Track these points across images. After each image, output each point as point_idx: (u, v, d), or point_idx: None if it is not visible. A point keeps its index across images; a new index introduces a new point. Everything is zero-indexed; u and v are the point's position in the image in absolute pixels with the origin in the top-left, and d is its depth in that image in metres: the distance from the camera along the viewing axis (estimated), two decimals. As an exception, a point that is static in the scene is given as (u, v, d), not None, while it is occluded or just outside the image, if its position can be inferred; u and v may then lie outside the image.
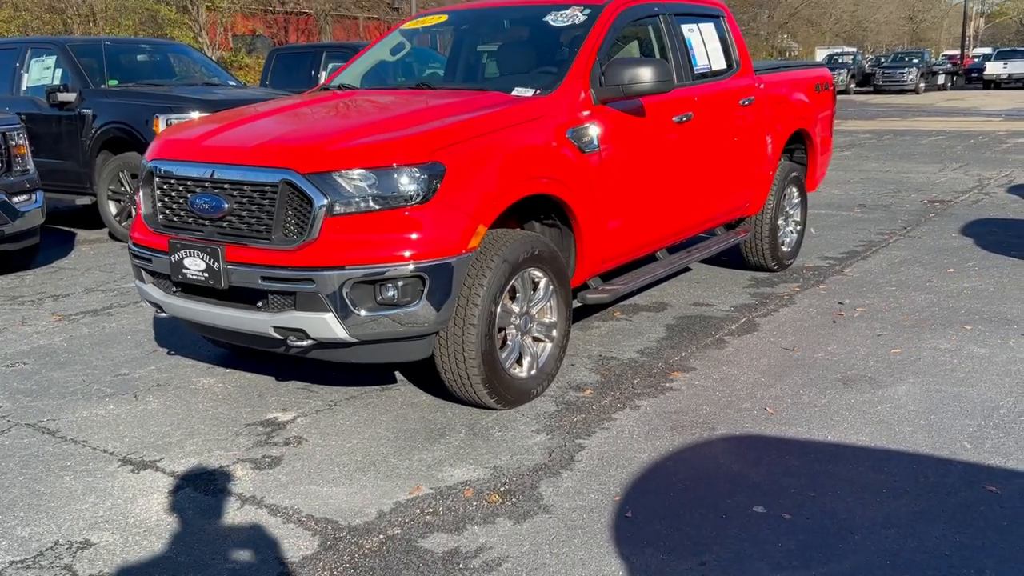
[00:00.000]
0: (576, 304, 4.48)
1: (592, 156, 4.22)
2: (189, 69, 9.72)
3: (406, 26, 5.50)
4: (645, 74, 4.22)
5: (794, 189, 6.36)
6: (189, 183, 3.76)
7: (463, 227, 3.56)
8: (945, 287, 5.81)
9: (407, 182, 3.47)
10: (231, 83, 9.58)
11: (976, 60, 45.71)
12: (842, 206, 9.11)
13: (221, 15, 26.86)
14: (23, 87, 8.66)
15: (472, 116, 3.87)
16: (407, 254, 3.44)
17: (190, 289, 3.82)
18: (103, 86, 8.30)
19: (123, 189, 7.89)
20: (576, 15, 4.64)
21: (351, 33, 37.35)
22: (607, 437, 3.62)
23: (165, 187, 3.86)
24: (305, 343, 3.58)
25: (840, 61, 39.45)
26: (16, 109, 7.97)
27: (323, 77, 10.27)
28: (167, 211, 3.86)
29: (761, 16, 55.39)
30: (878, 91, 36.16)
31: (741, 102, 5.51)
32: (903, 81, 35.55)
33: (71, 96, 8.05)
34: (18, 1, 21.93)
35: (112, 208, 8.00)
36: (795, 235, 6.49)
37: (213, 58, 23.88)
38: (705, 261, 6.53)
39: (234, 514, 3.06)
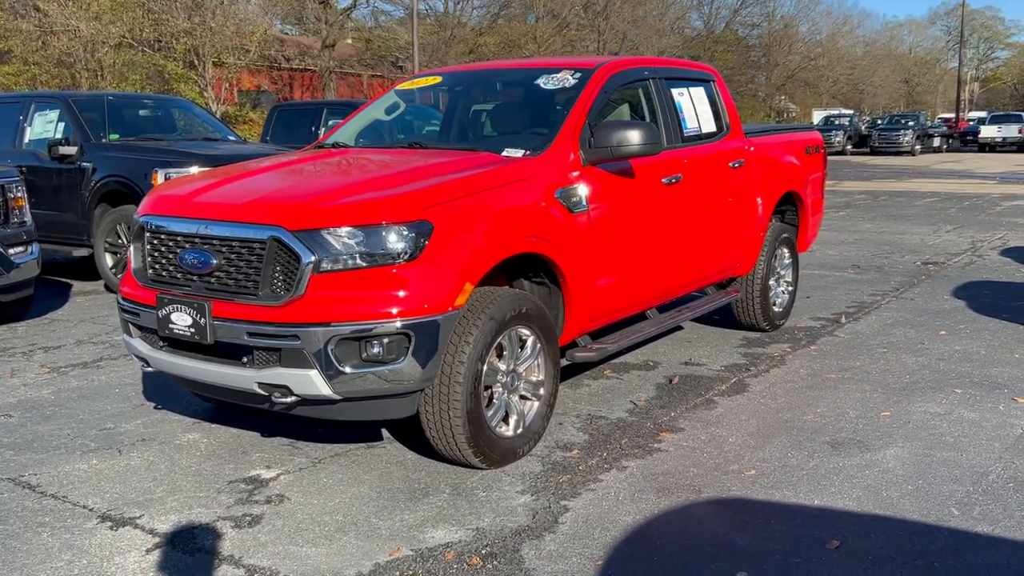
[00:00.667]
0: (565, 362, 4.47)
1: (580, 216, 4.26)
2: (191, 124, 9.85)
3: (401, 86, 5.60)
4: (633, 136, 4.28)
5: (785, 250, 6.40)
6: (179, 238, 3.79)
7: (450, 285, 3.57)
8: (936, 350, 5.81)
9: (395, 240, 3.49)
10: (231, 138, 9.71)
11: (971, 123, 46.33)
12: (836, 267, 9.15)
13: (227, 71, 27.29)
14: (25, 140, 8.77)
15: (461, 176, 3.92)
16: (394, 311, 3.45)
17: (176, 344, 3.82)
18: (104, 140, 8.41)
19: (120, 242, 7.94)
20: (567, 78, 4.73)
21: (355, 90, 37.95)
22: (592, 499, 3.58)
23: (155, 242, 3.89)
24: (289, 399, 3.57)
25: (837, 122, 39.96)
26: (17, 162, 8.07)
27: (323, 133, 10.42)
28: (156, 266, 3.88)
29: (759, 78, 56.36)
30: (874, 152, 36.56)
31: (731, 164, 5.58)
32: (899, 143, 35.96)
33: (72, 149, 8.15)
34: (27, 55, 22.30)
35: (108, 260, 8.04)
36: (787, 295, 6.51)
37: (217, 113, 24.25)
38: (697, 320, 6.55)
39: (212, 574, 3.02)
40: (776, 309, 6.34)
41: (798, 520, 3.37)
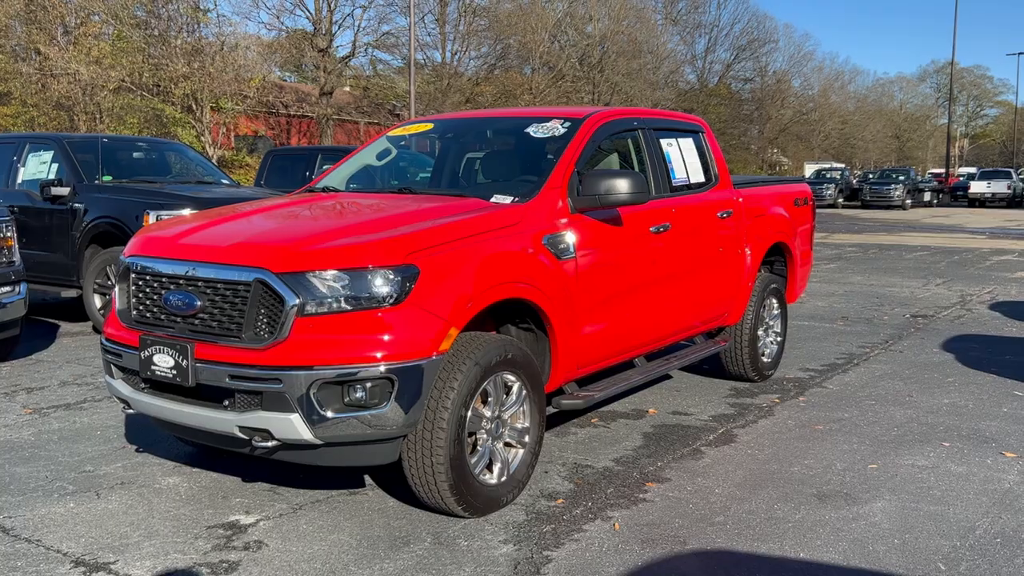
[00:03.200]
0: (551, 410, 4.44)
1: (568, 263, 4.26)
2: (185, 167, 9.90)
3: (392, 132, 5.64)
4: (621, 185, 4.31)
5: (774, 300, 6.41)
6: (164, 279, 3.78)
7: (435, 329, 3.56)
8: (924, 403, 5.79)
9: (381, 283, 3.49)
10: (224, 181, 9.74)
11: (961, 179, 46.87)
12: (825, 318, 9.16)
13: (225, 116, 27.52)
14: (19, 180, 8.79)
15: (449, 221, 3.93)
16: (378, 355, 3.43)
17: (158, 386, 3.79)
18: (97, 182, 8.43)
19: (109, 283, 7.92)
20: (556, 127, 4.77)
21: (352, 137, 38.27)
22: (576, 549, 3.53)
23: (140, 283, 3.88)
24: (270, 444, 3.53)
25: (828, 176, 40.41)
26: (9, 202, 8.08)
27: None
28: (141, 307, 3.86)
29: (752, 131, 57.06)
30: (865, 206, 36.89)
31: (719, 214, 5.61)
32: (890, 197, 36.30)
33: (64, 190, 8.16)
34: (27, 97, 22.48)
35: (97, 301, 8.01)
36: (775, 346, 6.50)
37: (214, 157, 24.40)
38: (686, 369, 6.53)
39: (183, 622, 2.96)
40: (764, 359, 6.33)
41: (784, 574, 3.32)
